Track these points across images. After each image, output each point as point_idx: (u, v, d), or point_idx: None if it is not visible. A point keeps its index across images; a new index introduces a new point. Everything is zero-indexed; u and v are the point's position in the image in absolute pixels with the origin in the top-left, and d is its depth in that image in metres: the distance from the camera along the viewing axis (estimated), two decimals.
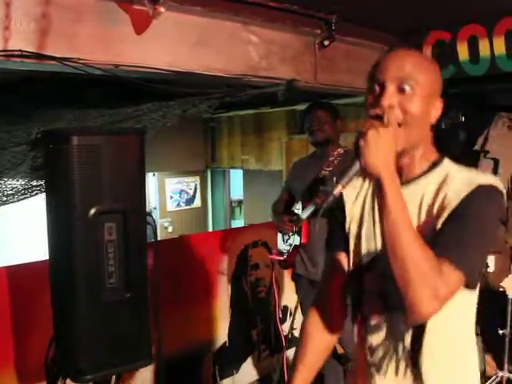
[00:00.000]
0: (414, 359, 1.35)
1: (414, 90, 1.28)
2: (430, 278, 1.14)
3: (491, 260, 4.21)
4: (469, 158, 3.86)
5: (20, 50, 1.99)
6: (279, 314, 4.26)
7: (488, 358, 3.77)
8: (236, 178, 7.46)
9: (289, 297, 4.27)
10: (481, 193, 1.24)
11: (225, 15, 2.65)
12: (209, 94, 2.93)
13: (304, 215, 3.13)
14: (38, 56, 2.05)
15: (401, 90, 1.29)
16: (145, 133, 2.01)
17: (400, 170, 1.34)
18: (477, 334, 3.67)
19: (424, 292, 1.13)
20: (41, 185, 2.75)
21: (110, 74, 2.29)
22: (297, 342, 1.60)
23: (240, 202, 7.63)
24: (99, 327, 1.94)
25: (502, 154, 3.72)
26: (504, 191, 1.29)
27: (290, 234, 3.21)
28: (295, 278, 3.41)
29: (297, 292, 3.50)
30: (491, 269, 4.20)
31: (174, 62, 2.54)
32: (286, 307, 4.33)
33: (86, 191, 1.87)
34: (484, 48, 3.33)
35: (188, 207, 7.16)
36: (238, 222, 7.45)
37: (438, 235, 1.24)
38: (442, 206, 1.28)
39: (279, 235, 3.32)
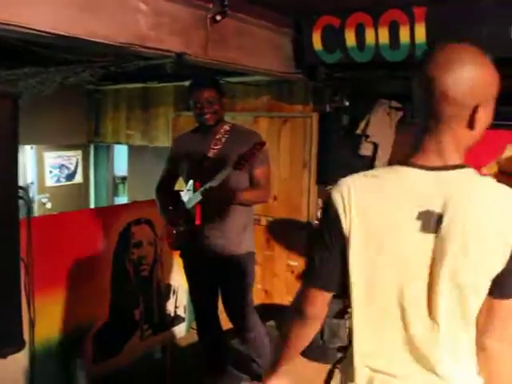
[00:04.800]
0: None
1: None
2: None
3: None
4: (351, 141, 4.01)
5: None
6: (164, 293, 4.21)
7: None
8: (120, 153, 7.21)
9: (172, 275, 4.22)
10: None
11: None
12: (92, 62, 2.77)
13: (190, 204, 3.07)
14: None
15: None
16: (19, 97, 1.82)
17: None
18: None
19: None
20: None
21: None
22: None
23: (124, 179, 7.40)
24: None
25: (381, 138, 3.91)
26: None
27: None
28: (185, 254, 3.36)
29: (185, 268, 3.46)
30: None
31: (58, 24, 2.34)
32: (169, 285, 4.27)
33: None
34: (370, 36, 3.45)
35: (69, 183, 6.81)
36: (122, 199, 7.23)
37: None
38: None
39: None
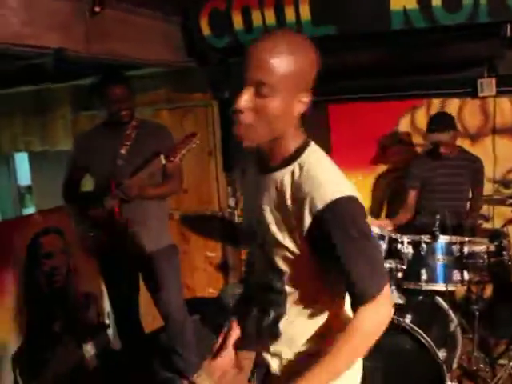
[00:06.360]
0: None
1: (272, 93, 1.25)
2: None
3: None
4: None
5: None
6: (83, 302, 4.07)
7: None
8: (23, 162, 6.86)
9: (90, 283, 4.08)
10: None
11: None
12: None
13: (110, 203, 2.96)
14: None
15: (259, 92, 1.25)
16: None
17: (267, 157, 1.40)
18: None
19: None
20: None
21: None
22: None
23: (30, 188, 7.05)
24: None
25: None
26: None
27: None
28: (103, 256, 3.24)
29: (103, 271, 3.34)
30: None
31: None
32: (88, 293, 4.13)
33: None
34: (256, 18, 3.45)
35: None
36: (30, 210, 6.88)
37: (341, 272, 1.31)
38: (296, 206, 1.32)
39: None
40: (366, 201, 4.38)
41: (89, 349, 3.96)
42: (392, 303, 1.36)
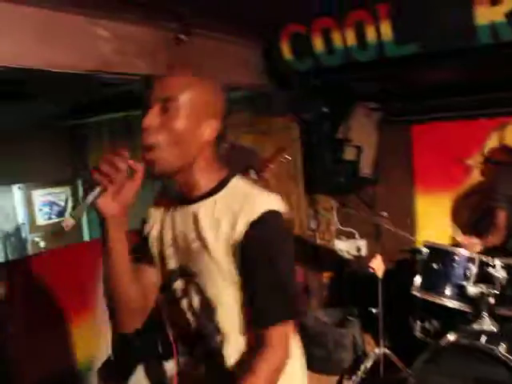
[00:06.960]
0: None
1: (178, 109, 1.28)
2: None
3: (363, 245, 4.40)
4: (333, 146, 3.98)
5: None
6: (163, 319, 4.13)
7: (367, 337, 3.92)
8: None
9: None
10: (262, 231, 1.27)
11: (66, 7, 2.48)
12: (61, 94, 2.75)
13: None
14: None
15: (165, 110, 1.29)
16: None
17: (181, 190, 1.39)
18: (355, 316, 3.81)
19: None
20: None
21: None
22: None
23: None
24: None
25: (363, 140, 3.88)
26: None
27: None
28: None
29: None
30: (364, 253, 4.38)
31: (17, 57, 2.33)
32: None
33: None
34: (337, 39, 3.44)
35: (60, 219, 6.74)
36: None
37: (247, 294, 1.32)
38: (231, 224, 1.30)
39: None
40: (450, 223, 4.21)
41: (171, 367, 4.01)
42: (289, 345, 1.31)
